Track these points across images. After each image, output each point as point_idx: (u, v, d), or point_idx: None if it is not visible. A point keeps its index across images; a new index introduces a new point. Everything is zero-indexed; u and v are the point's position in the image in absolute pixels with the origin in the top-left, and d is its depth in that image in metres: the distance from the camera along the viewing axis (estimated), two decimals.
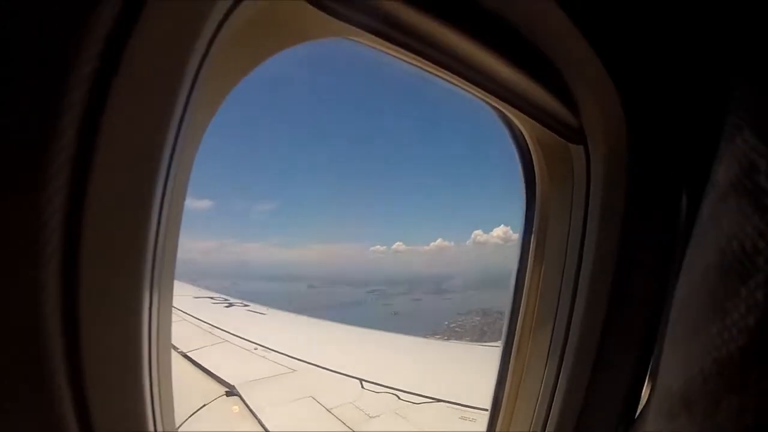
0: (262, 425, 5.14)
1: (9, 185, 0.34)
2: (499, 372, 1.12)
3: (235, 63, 0.61)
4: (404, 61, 0.72)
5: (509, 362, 1.10)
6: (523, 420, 1.07)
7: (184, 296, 10.14)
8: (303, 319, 11.13)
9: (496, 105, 0.89)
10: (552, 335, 1.02)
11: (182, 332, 7.40)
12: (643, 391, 0.98)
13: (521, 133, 1.02)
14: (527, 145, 1.03)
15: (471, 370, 6.33)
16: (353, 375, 6.38)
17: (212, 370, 6.27)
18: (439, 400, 5.64)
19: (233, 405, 5.61)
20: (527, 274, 1.08)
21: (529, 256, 1.08)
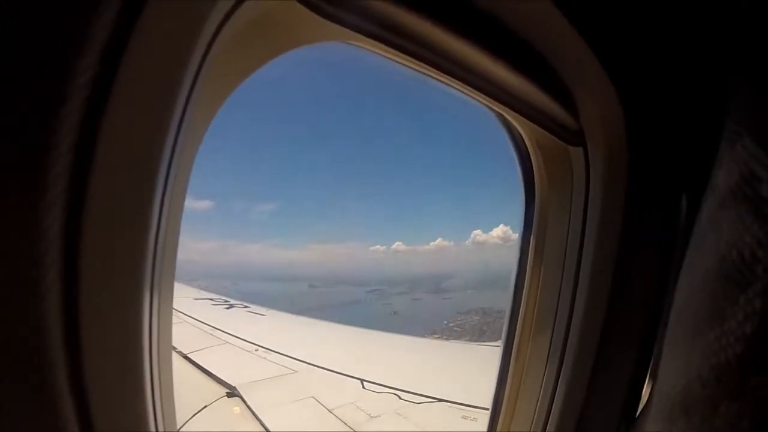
0: (264, 426, 5.14)
1: (9, 187, 0.34)
2: (499, 373, 1.12)
3: (234, 66, 0.61)
4: (403, 64, 0.72)
5: (509, 363, 1.10)
6: (523, 420, 1.07)
7: (184, 298, 10.15)
8: (303, 320, 11.15)
9: (495, 108, 0.89)
10: (552, 336, 1.02)
11: (183, 334, 7.41)
12: (644, 390, 0.98)
13: (520, 135, 1.02)
14: (526, 147, 1.03)
15: (471, 370, 6.34)
16: (354, 375, 6.38)
17: (213, 372, 6.27)
18: (440, 400, 5.64)
19: (234, 406, 5.61)
20: (527, 276, 1.08)
21: (529, 259, 1.08)
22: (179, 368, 6.17)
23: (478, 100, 0.85)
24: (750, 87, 0.32)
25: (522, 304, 1.09)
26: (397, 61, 0.71)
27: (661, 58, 0.81)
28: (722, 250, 0.29)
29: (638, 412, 0.99)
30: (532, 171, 1.05)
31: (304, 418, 5.40)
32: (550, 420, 1.01)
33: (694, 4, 0.71)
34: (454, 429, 5.04)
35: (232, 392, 5.82)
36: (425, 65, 0.71)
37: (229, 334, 8.00)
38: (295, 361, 6.94)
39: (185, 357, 6.58)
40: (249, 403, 5.58)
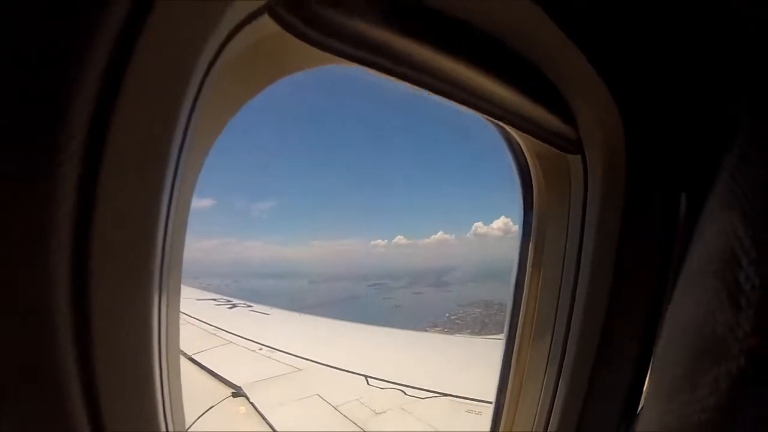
0: (270, 425, 5.17)
1: (17, 189, 0.34)
2: (500, 375, 1.14)
3: (232, 93, 0.62)
4: (396, 83, 0.72)
5: (510, 364, 1.11)
6: (525, 420, 1.09)
7: (187, 299, 10.15)
8: (306, 318, 11.17)
9: (494, 122, 0.90)
10: (552, 340, 1.03)
11: (187, 335, 7.42)
12: (644, 390, 0.99)
13: (519, 147, 1.02)
14: (525, 158, 1.04)
15: (474, 363, 6.39)
16: (358, 372, 6.41)
17: (218, 372, 6.30)
18: (444, 395, 5.67)
19: (240, 406, 5.64)
20: (526, 281, 1.09)
21: (528, 266, 1.08)
22: (184, 369, 6.13)
23: (476, 115, 0.85)
24: (747, 157, 0.32)
25: (522, 307, 1.09)
26: (392, 81, 0.71)
27: (657, 64, 0.81)
28: (699, 317, 0.30)
29: (638, 411, 1.01)
30: (531, 179, 1.06)
31: (310, 416, 5.42)
32: (551, 420, 1.02)
33: (689, 10, 0.71)
34: (459, 423, 5.07)
35: (237, 392, 5.85)
36: (421, 87, 0.71)
37: (233, 334, 8.03)
38: (300, 359, 6.97)
39: (190, 358, 6.60)
40: (254, 402, 5.61)
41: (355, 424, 5.22)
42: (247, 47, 0.57)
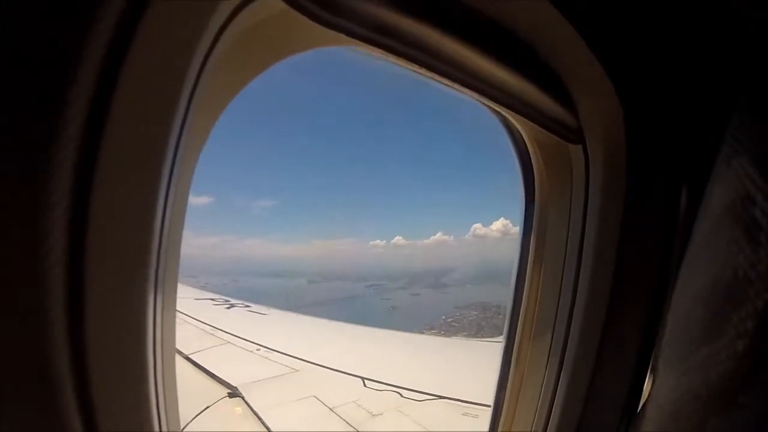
0: (265, 426, 5.15)
1: (12, 186, 0.34)
2: (500, 373, 1.13)
3: (233, 73, 0.61)
4: (401, 66, 0.72)
5: (510, 363, 1.11)
6: (524, 420, 1.08)
7: (185, 298, 10.16)
8: (304, 319, 11.17)
9: (495, 108, 0.89)
10: (553, 335, 1.02)
11: (184, 334, 7.43)
12: (644, 388, 0.98)
13: (520, 135, 1.02)
14: (526, 146, 1.03)
15: (471, 366, 6.38)
16: (355, 374, 6.40)
17: (215, 372, 6.28)
18: (441, 397, 5.66)
19: (236, 406, 5.61)
20: (527, 275, 1.08)
21: (529, 257, 1.08)
22: (181, 369, 6.12)
23: (478, 100, 0.85)
24: (751, 107, 0.32)
25: (523, 303, 1.09)
26: (396, 64, 0.71)
27: (659, 55, 0.81)
28: (716, 269, 0.29)
29: (638, 410, 1.00)
30: (532, 169, 1.05)
31: (306, 417, 5.40)
32: (551, 419, 1.01)
33: (691, 4, 0.71)
34: (456, 426, 5.07)
35: (233, 392, 5.83)
36: (424, 68, 0.71)
37: (231, 334, 8.02)
38: (297, 360, 6.96)
39: (187, 358, 6.59)
40: (251, 403, 5.59)
41: (352, 425, 5.20)
42: (248, 27, 0.56)
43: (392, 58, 0.68)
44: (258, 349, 7.39)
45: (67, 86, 0.34)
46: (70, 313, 0.38)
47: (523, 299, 1.09)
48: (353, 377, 6.34)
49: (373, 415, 5.39)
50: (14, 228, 0.35)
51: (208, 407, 5.44)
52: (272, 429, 5.08)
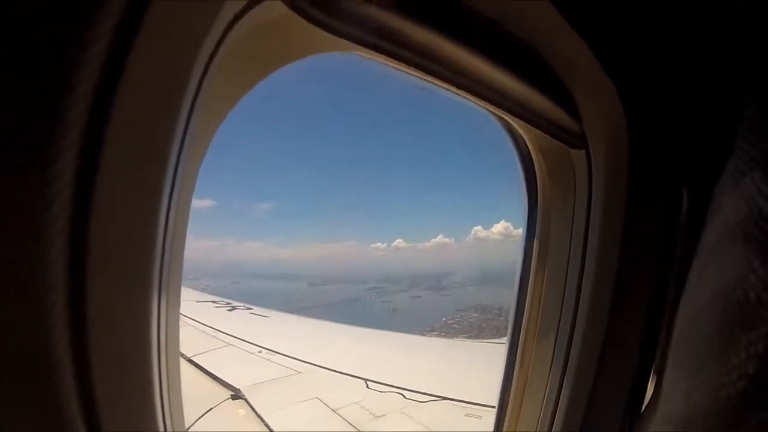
0: (268, 427, 5.13)
1: (13, 187, 0.34)
2: (504, 374, 1.13)
3: (236, 78, 0.61)
4: (403, 71, 0.72)
5: (515, 364, 1.11)
6: (529, 420, 1.08)
7: (186, 301, 10.11)
8: (306, 321, 11.13)
9: (498, 113, 0.89)
10: (556, 338, 1.03)
11: (186, 337, 7.39)
12: (647, 390, 0.99)
13: (523, 140, 1.02)
14: (529, 152, 1.04)
15: (473, 367, 6.36)
16: (358, 375, 6.38)
17: (217, 374, 6.27)
18: (444, 398, 5.64)
19: (239, 408, 5.60)
20: (530, 278, 1.08)
21: (532, 261, 1.08)
22: (183, 371, 6.10)
23: (481, 106, 0.85)
24: (761, 118, 0.32)
25: (526, 306, 1.09)
26: (397, 69, 0.71)
27: (662, 59, 0.81)
28: (726, 286, 0.29)
29: (642, 409, 1.00)
30: (535, 175, 1.06)
31: (309, 419, 5.37)
32: (555, 419, 1.01)
33: (692, 7, 0.72)
34: (459, 427, 5.05)
35: (236, 394, 5.81)
36: (426, 74, 0.71)
37: (233, 336, 8.00)
38: (299, 362, 6.94)
39: (189, 360, 6.56)
40: (253, 405, 5.57)
41: (355, 427, 5.18)
42: (251, 31, 0.56)
43: (396, 64, 0.68)
44: (260, 351, 7.37)
45: (69, 88, 0.34)
46: (72, 313, 0.38)
47: (527, 302, 1.09)
48: (356, 379, 6.31)
49: (376, 417, 5.37)
50: (14, 229, 0.34)
51: (211, 409, 5.42)
52: (275, 431, 5.06)
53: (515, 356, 1.11)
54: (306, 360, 6.96)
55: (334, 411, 5.49)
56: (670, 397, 0.33)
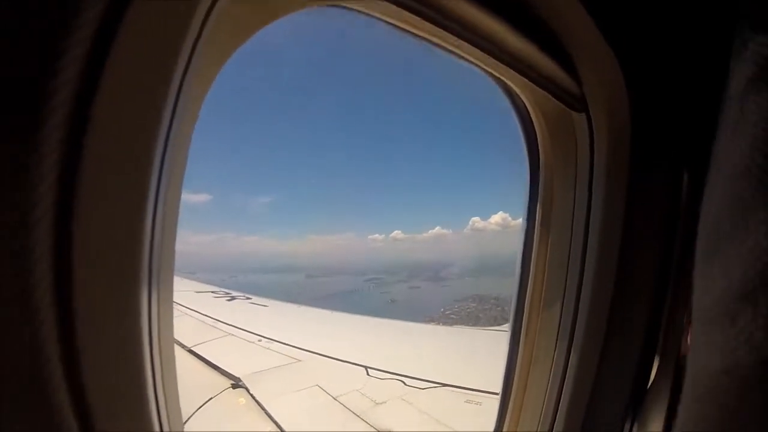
0: (269, 416, 5.17)
1: None
2: (509, 350, 1.13)
3: (229, 33, 0.59)
4: (400, 27, 0.70)
5: (519, 341, 1.10)
6: (535, 398, 1.08)
7: (185, 291, 10.19)
8: (305, 310, 11.20)
9: (496, 71, 0.88)
10: (562, 307, 1.02)
11: (186, 327, 7.44)
12: (653, 367, 0.99)
13: (522, 102, 1.00)
14: (529, 114, 1.02)
15: (472, 354, 6.43)
16: (358, 363, 6.42)
17: (217, 364, 6.29)
18: (444, 385, 5.70)
19: (239, 397, 5.63)
20: (534, 244, 1.07)
21: (536, 226, 1.07)
22: (183, 361, 6.18)
23: (479, 65, 0.84)
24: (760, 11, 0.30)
25: (530, 275, 1.08)
26: (393, 24, 0.69)
27: (661, 25, 0.81)
28: (752, 146, 0.27)
29: (648, 386, 1.00)
30: (536, 138, 1.04)
31: (310, 406, 5.42)
32: (561, 399, 1.01)
33: None
34: (459, 413, 5.10)
35: (236, 383, 5.85)
36: (425, 23, 0.69)
37: (232, 325, 8.03)
38: (299, 350, 6.97)
39: (189, 350, 6.60)
40: (254, 393, 5.61)
41: (356, 414, 5.23)
42: None
43: (392, 14, 0.66)
44: (260, 340, 7.40)
45: (50, 70, 0.33)
46: (60, 308, 0.37)
47: (531, 269, 1.08)
48: (356, 366, 6.36)
49: (376, 404, 5.42)
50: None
51: (211, 398, 5.46)
52: (276, 419, 5.10)
53: (520, 330, 1.10)
54: (306, 348, 7.00)
55: (334, 398, 5.54)
56: (710, 281, 0.30)
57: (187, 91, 0.45)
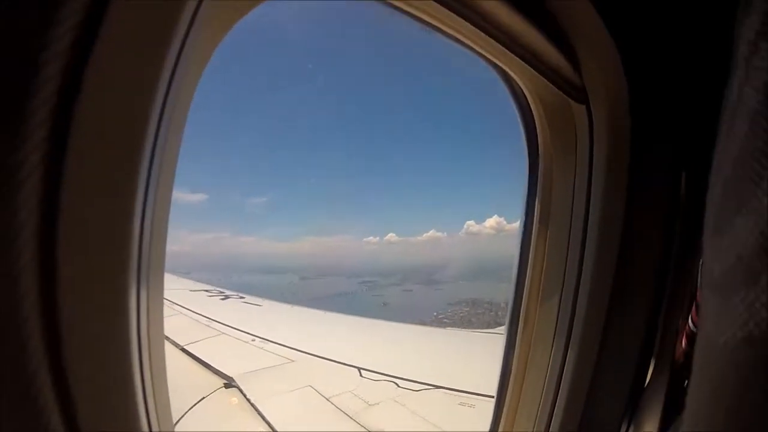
0: (262, 416, 5.13)
1: None
2: (505, 348, 1.12)
3: (224, 12, 0.58)
4: (402, 10, 0.70)
5: (516, 339, 1.09)
6: (531, 397, 1.07)
7: (179, 289, 10.07)
8: (299, 310, 11.12)
9: (496, 57, 0.87)
10: (560, 302, 1.02)
11: (179, 325, 7.37)
12: (651, 361, 1.00)
13: (521, 89, 0.99)
14: (528, 102, 1.01)
15: (466, 356, 6.42)
16: (351, 364, 6.39)
17: (210, 363, 6.24)
18: (437, 387, 5.69)
19: (232, 397, 5.58)
20: (533, 237, 1.07)
21: (534, 219, 1.07)
22: (176, 360, 6.12)
23: (477, 50, 0.83)
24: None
25: (528, 266, 1.07)
26: (390, 3, 0.68)
27: (662, 16, 0.81)
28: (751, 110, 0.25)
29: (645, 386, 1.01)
30: (535, 127, 1.03)
31: (303, 407, 5.39)
32: (559, 394, 1.01)
33: None
34: (453, 415, 5.08)
35: (229, 383, 5.80)
36: (423, 2, 0.68)
37: (226, 324, 7.96)
38: (292, 350, 6.93)
39: (182, 349, 6.54)
40: (247, 393, 5.56)
41: (348, 415, 5.21)
42: None
43: None
44: (253, 340, 7.35)
45: (36, 61, 0.32)
46: (44, 309, 0.36)
47: (530, 261, 1.07)
48: (349, 367, 6.33)
49: (369, 405, 5.39)
50: None
51: (204, 398, 5.40)
52: (269, 419, 5.06)
53: (518, 319, 1.10)
54: (299, 348, 6.96)
55: (327, 399, 5.51)
56: (721, 249, 0.29)
57: (177, 87, 0.43)
